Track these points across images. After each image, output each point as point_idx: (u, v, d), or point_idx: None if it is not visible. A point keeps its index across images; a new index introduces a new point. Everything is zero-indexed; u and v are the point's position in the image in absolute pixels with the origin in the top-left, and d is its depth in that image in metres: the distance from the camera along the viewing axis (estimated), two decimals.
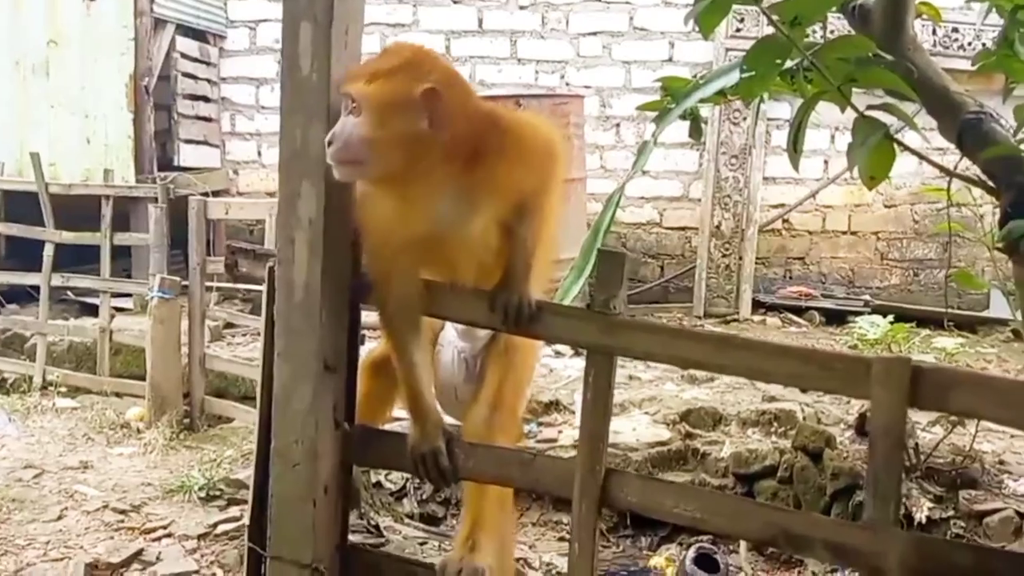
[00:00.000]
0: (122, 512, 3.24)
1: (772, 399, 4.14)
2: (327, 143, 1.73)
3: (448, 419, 2.08)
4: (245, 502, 3.16)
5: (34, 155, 5.23)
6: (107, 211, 5.00)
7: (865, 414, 3.53)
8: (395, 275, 1.89)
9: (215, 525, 3.11)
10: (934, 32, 5.95)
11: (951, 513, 3.34)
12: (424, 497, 3.68)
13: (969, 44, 5.95)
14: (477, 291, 1.92)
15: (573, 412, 4.03)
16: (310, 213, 1.85)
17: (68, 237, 5.06)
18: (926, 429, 3.70)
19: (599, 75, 6.74)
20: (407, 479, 3.58)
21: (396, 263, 1.88)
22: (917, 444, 3.46)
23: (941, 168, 2.39)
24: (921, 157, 2.34)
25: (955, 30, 6.03)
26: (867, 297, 6.48)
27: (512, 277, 1.91)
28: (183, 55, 6.34)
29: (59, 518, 3.19)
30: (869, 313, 5.39)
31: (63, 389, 4.76)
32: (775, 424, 3.95)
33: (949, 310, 5.20)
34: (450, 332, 2.13)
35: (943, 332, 4.43)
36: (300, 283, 1.86)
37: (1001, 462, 3.63)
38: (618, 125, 6.78)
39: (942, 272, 6.32)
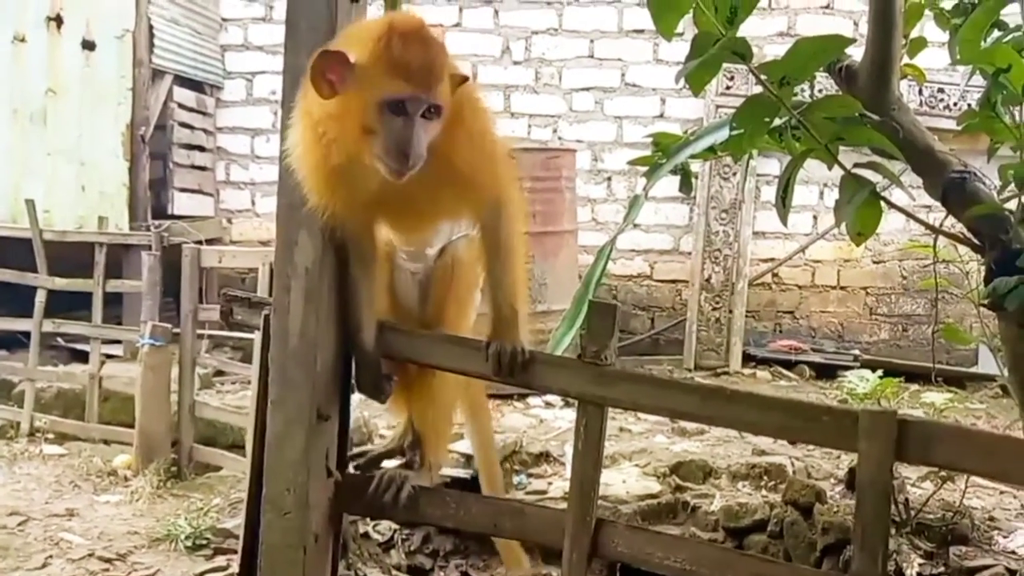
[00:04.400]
0: (108, 561, 3.22)
1: (762, 452, 4.13)
2: (401, 155, 1.68)
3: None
4: (232, 551, 3.15)
5: (29, 202, 5.25)
6: (100, 258, 5.01)
7: (855, 468, 3.53)
8: (346, 221, 1.90)
9: (201, 575, 3.08)
10: (920, 92, 6.05)
11: (941, 569, 3.33)
12: (412, 548, 3.65)
13: (955, 104, 6.06)
14: (468, 340, 1.94)
15: (563, 464, 4.01)
16: (306, 262, 1.87)
17: (61, 283, 5.07)
18: (916, 485, 3.70)
19: (591, 130, 6.83)
20: (395, 530, 3.56)
21: (347, 211, 1.87)
22: (907, 499, 3.46)
23: (927, 225, 2.44)
24: (908, 215, 2.39)
25: (940, 90, 6.14)
26: (856, 352, 6.49)
27: (501, 325, 1.93)
28: (180, 105, 6.40)
29: (44, 566, 3.16)
30: (858, 367, 5.41)
31: (51, 436, 4.74)
32: (765, 478, 3.94)
33: (937, 365, 5.22)
34: (400, 255, 2.14)
35: (932, 387, 4.44)
36: (295, 331, 1.88)
37: (991, 518, 3.62)
38: (609, 179, 6.85)
39: (931, 328, 6.35)
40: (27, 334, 5.08)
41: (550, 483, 3.91)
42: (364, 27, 1.82)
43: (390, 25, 1.72)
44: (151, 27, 6.00)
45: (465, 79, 1.83)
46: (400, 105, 1.69)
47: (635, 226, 6.57)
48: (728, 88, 6.28)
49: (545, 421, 4.72)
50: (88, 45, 5.94)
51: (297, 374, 1.89)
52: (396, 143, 1.69)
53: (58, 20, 5.93)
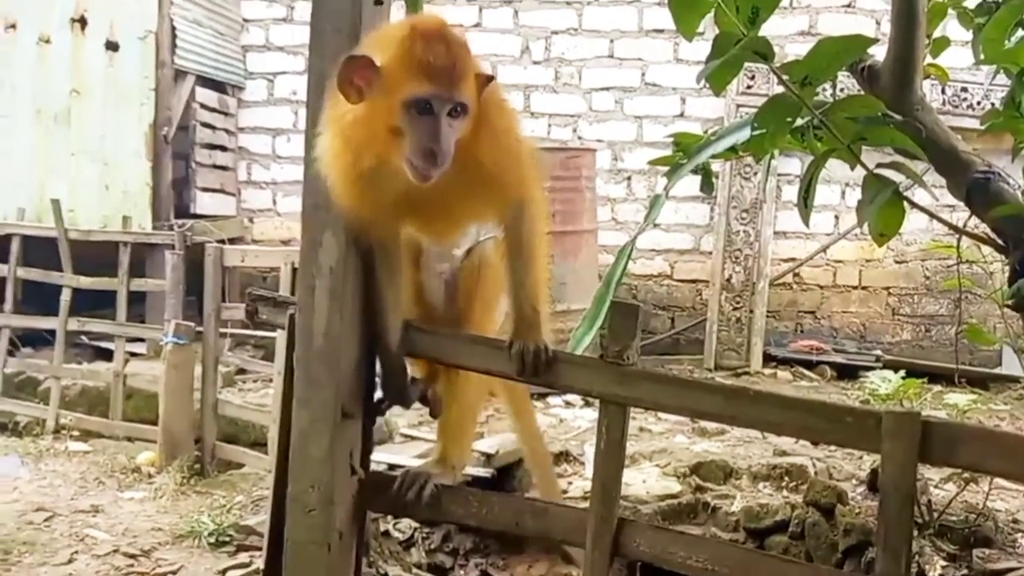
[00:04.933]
0: (132, 557, 3.25)
1: (783, 453, 4.12)
2: (428, 155, 1.69)
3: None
4: (255, 548, 3.18)
5: (54, 201, 5.31)
6: (124, 257, 5.06)
7: (877, 470, 3.52)
8: (373, 226, 1.92)
9: (224, 571, 3.10)
10: (943, 91, 6.01)
11: (964, 572, 3.30)
12: (432, 547, 3.66)
13: (978, 104, 6.01)
14: (492, 340, 1.95)
15: (583, 463, 4.02)
16: (331, 262, 1.89)
17: (85, 282, 5.12)
18: (939, 486, 3.68)
19: (611, 129, 6.82)
20: (415, 528, 3.57)
21: (375, 215, 1.89)
22: (930, 501, 3.44)
23: (950, 226, 2.43)
24: (930, 215, 2.38)
25: (964, 89, 6.10)
26: (878, 352, 6.46)
27: (523, 325, 1.93)
28: (202, 105, 6.45)
29: (69, 562, 3.19)
30: (880, 368, 5.38)
31: (75, 433, 4.78)
32: (786, 479, 3.92)
33: (960, 366, 5.20)
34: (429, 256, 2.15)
35: (955, 388, 4.41)
36: (320, 331, 1.90)
37: (1015, 521, 3.60)
38: (629, 178, 6.85)
39: (953, 328, 6.31)
40: (52, 332, 5.13)
41: (570, 482, 3.91)
42: (387, 31, 1.84)
43: (412, 27, 1.75)
44: (174, 28, 6.04)
45: (491, 79, 1.84)
46: (426, 104, 1.70)
47: (655, 225, 6.56)
48: (749, 87, 6.26)
49: (565, 420, 4.72)
50: (111, 46, 6.00)
51: (322, 373, 1.90)
52: (423, 143, 1.70)
53: (82, 21, 5.99)
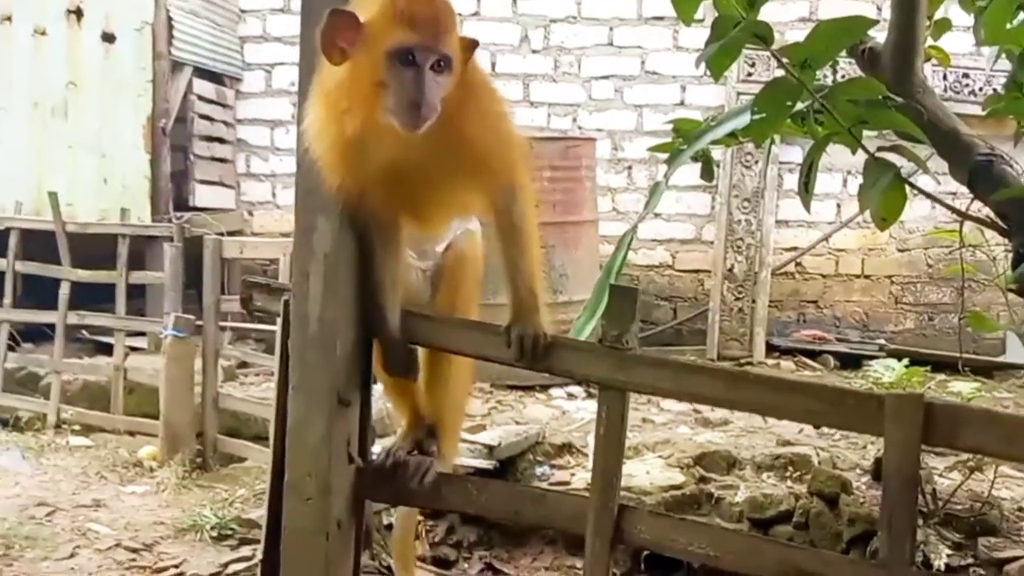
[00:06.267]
0: (134, 551, 3.25)
1: (787, 443, 4.11)
2: (413, 106, 1.69)
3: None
4: (257, 542, 3.16)
5: (52, 194, 5.29)
6: (123, 250, 5.04)
7: (881, 459, 3.50)
8: (364, 201, 1.90)
9: (226, 565, 3.10)
10: (945, 77, 5.97)
11: (970, 560, 3.30)
12: (436, 540, 3.66)
13: (980, 89, 5.98)
14: (490, 326, 1.93)
15: (586, 455, 4.00)
16: (325, 248, 1.87)
17: (84, 275, 5.10)
18: (943, 475, 3.66)
19: (611, 118, 6.79)
20: (420, 521, 3.56)
21: (364, 189, 1.88)
22: (935, 490, 3.43)
23: (953, 210, 2.41)
24: (932, 199, 2.36)
25: (966, 75, 6.06)
26: (882, 341, 6.43)
27: (521, 310, 1.92)
28: (200, 97, 6.42)
29: (71, 556, 3.19)
30: (884, 357, 5.35)
31: (77, 427, 4.78)
32: (790, 469, 3.91)
33: (964, 355, 5.17)
34: (410, 255, 2.14)
35: (959, 376, 4.39)
36: (315, 317, 1.88)
37: (1020, 509, 3.58)
38: (630, 168, 6.82)
39: (957, 316, 6.28)
40: (52, 326, 5.12)
41: (573, 474, 3.90)
42: None
43: None
44: (170, 19, 6.01)
45: (475, 43, 1.84)
46: (409, 55, 1.70)
47: (656, 215, 6.53)
48: (749, 75, 6.22)
49: (567, 412, 4.70)
50: (108, 38, 5.96)
51: (317, 359, 1.89)
52: (408, 94, 1.71)
53: (78, 13, 5.95)
